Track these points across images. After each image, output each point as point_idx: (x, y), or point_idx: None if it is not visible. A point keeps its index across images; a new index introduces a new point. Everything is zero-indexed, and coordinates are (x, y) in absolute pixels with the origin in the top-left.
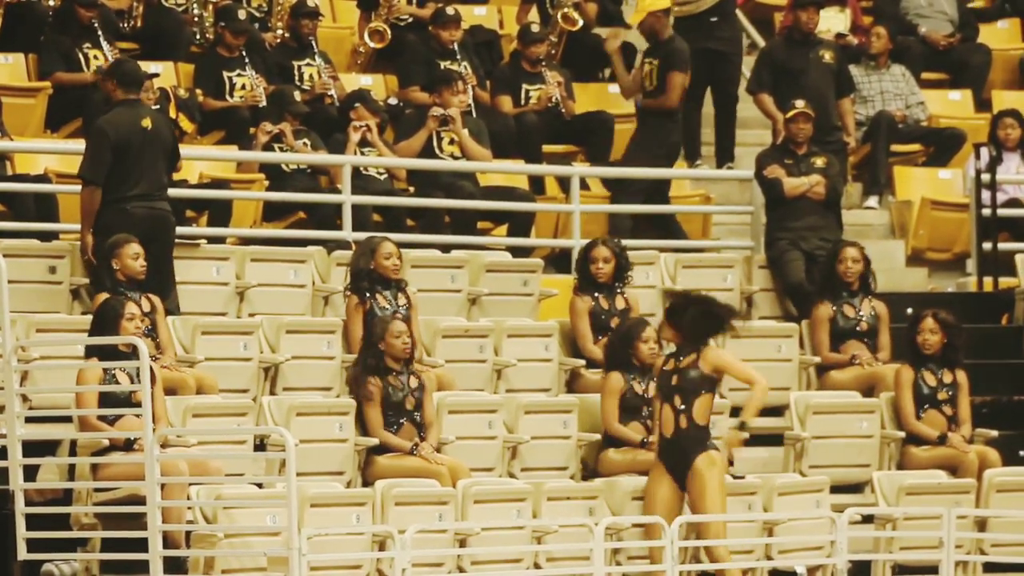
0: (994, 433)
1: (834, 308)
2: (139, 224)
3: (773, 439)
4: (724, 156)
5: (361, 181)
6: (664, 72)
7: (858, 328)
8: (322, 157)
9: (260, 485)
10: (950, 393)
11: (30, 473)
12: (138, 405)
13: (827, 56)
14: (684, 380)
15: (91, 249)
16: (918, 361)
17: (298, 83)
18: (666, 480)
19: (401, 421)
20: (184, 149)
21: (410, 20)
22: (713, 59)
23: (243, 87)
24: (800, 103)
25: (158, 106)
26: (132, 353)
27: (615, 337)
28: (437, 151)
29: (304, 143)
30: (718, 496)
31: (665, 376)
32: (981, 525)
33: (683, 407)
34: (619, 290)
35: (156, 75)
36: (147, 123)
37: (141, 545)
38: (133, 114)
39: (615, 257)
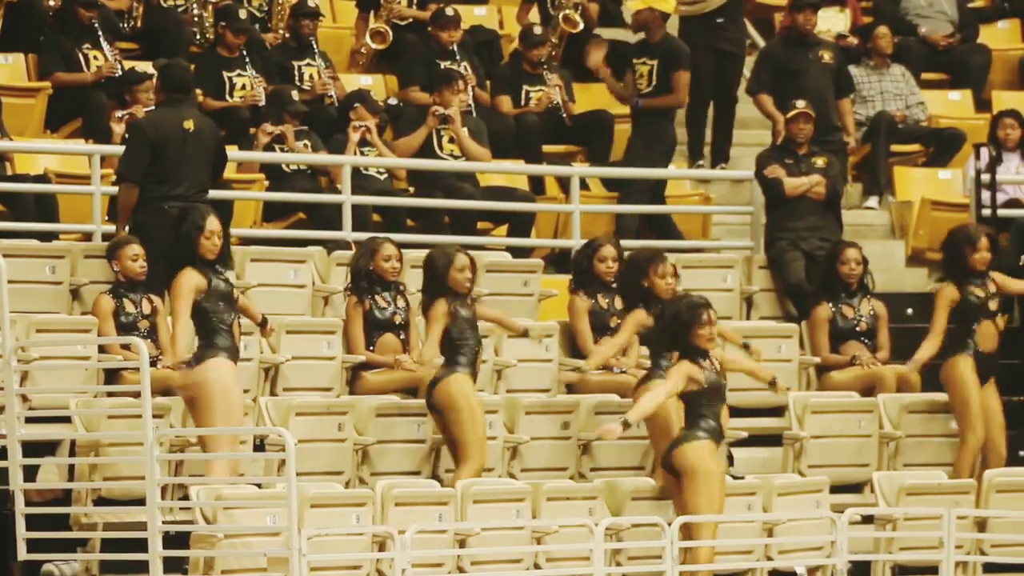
0: None
1: (833, 309)
2: (175, 224)
3: (772, 439)
4: (719, 157)
5: (361, 181)
6: (667, 72)
7: (857, 328)
8: (322, 157)
9: (260, 485)
10: (1000, 303)
11: (30, 473)
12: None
13: (827, 56)
14: (726, 379)
15: None
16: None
17: (298, 83)
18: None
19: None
20: None
21: (410, 21)
22: (718, 60)
23: (243, 87)
24: (801, 103)
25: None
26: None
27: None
28: (437, 150)
29: (304, 144)
30: None
31: (718, 376)
32: (981, 525)
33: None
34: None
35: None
36: (189, 125)
37: (141, 545)
38: (175, 115)
39: (620, 256)
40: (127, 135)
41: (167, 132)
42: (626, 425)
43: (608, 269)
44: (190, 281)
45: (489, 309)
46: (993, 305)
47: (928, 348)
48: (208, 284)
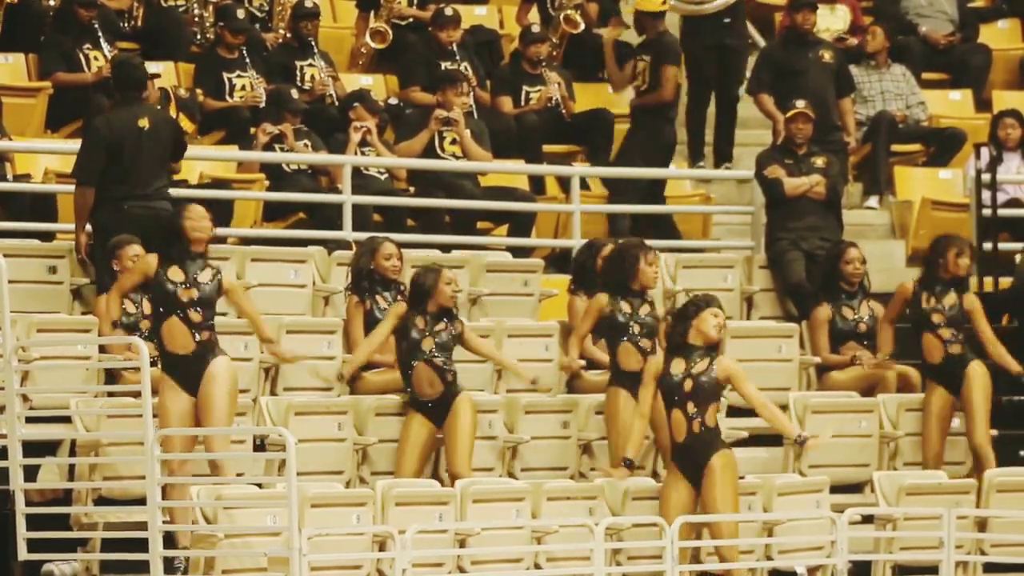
0: (993, 432)
1: (833, 309)
2: (136, 224)
3: (772, 439)
4: (722, 157)
5: (361, 181)
6: (656, 67)
7: (857, 329)
8: (322, 157)
9: (260, 485)
10: (946, 319)
11: (30, 473)
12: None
13: (827, 56)
14: (698, 386)
15: (84, 248)
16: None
17: (299, 83)
18: (681, 483)
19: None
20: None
21: (411, 21)
22: (722, 56)
23: (243, 88)
24: (800, 103)
25: (159, 105)
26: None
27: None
28: (439, 151)
29: (305, 143)
30: (731, 496)
31: (674, 382)
32: (981, 525)
33: (696, 413)
34: None
35: (157, 75)
36: (144, 123)
37: (141, 545)
38: (130, 114)
39: None
40: (82, 137)
41: (122, 132)
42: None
43: None
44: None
45: (484, 345)
46: (936, 318)
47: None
48: (155, 274)
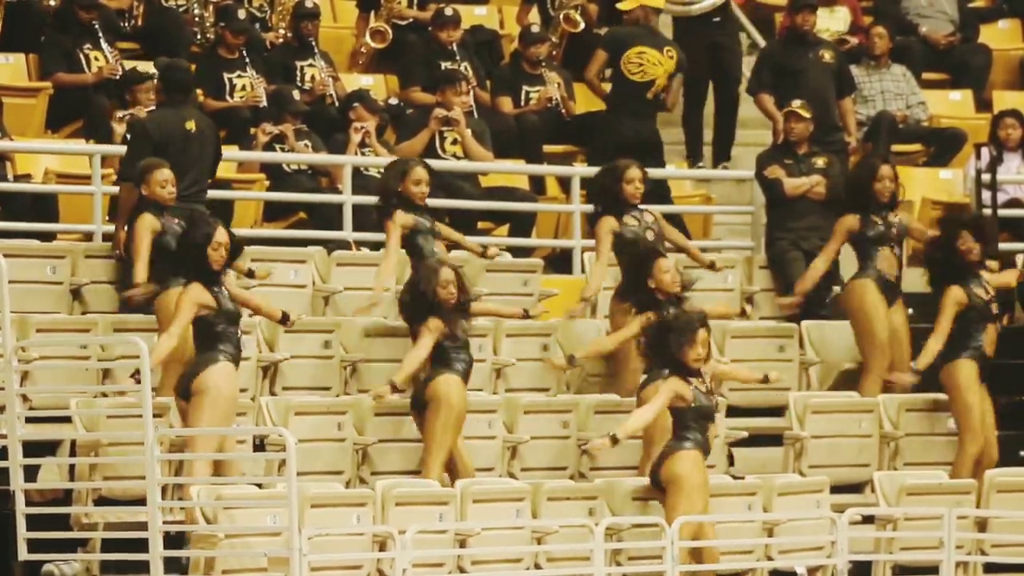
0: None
1: (862, 220)
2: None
3: (772, 439)
4: (721, 156)
5: (361, 181)
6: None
7: (889, 234)
8: (323, 157)
9: (260, 485)
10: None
11: (30, 473)
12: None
13: (827, 56)
14: (715, 401)
15: (123, 244)
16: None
17: (299, 84)
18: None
19: None
20: None
21: (411, 21)
22: (716, 55)
23: (243, 88)
24: (795, 103)
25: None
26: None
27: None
28: (440, 151)
29: (305, 144)
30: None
31: (707, 398)
32: (982, 525)
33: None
34: (643, 210)
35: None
36: (191, 125)
37: (141, 545)
38: (177, 115)
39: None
40: (129, 135)
41: (169, 133)
42: (615, 440)
43: (635, 191)
44: (198, 296)
45: (485, 304)
46: (995, 308)
47: (933, 350)
48: (217, 304)
